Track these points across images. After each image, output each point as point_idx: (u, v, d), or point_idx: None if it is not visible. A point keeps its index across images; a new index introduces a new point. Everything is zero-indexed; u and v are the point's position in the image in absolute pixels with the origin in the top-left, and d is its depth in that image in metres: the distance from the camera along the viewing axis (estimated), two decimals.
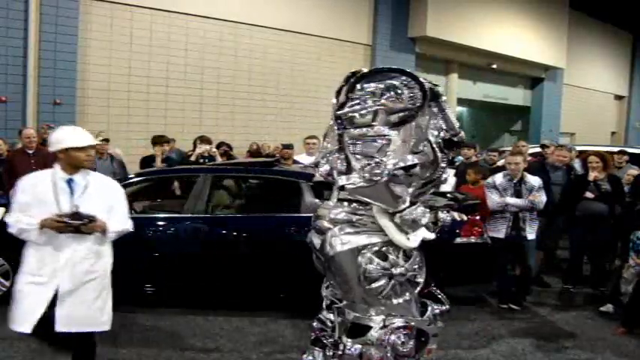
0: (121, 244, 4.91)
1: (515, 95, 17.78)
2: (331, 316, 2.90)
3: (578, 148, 8.70)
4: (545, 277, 6.34)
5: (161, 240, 4.91)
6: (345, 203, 2.76)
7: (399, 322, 2.69)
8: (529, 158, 7.11)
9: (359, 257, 2.66)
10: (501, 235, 5.19)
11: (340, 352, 2.70)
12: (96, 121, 8.94)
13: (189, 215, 4.95)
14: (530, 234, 5.23)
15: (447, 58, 14.69)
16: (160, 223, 5.02)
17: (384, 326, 2.68)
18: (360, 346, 2.68)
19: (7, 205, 5.43)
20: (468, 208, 5.14)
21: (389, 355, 2.66)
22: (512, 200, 5.14)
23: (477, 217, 5.06)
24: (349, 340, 2.70)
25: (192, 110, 10.15)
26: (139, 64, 9.47)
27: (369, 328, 2.70)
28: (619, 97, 22.17)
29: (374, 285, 2.66)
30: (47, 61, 8.34)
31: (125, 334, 4.40)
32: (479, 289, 5.77)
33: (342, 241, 2.68)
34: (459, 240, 4.90)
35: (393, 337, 2.66)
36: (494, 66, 15.63)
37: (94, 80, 9.01)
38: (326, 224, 2.75)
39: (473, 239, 4.96)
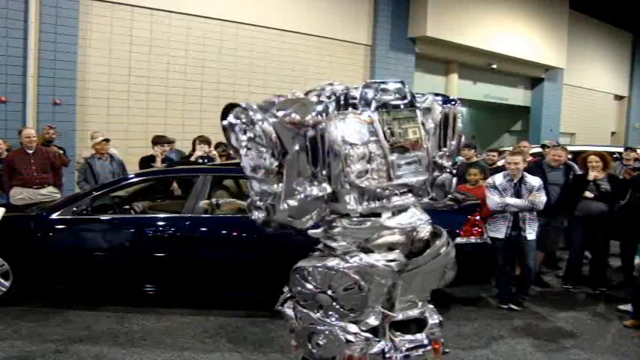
0: (120, 245, 4.98)
1: (515, 95, 17.77)
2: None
3: (578, 148, 8.72)
4: (545, 277, 6.36)
5: (161, 240, 4.90)
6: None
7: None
8: (529, 158, 7.11)
9: None
10: (501, 235, 5.19)
11: (417, 344, 2.86)
12: (96, 121, 8.96)
13: (190, 215, 4.94)
14: (530, 234, 5.23)
15: (447, 58, 14.69)
16: (160, 223, 5.02)
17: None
18: (425, 334, 2.88)
19: (7, 205, 5.46)
20: (468, 208, 5.14)
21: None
22: (512, 200, 5.14)
23: (477, 217, 5.06)
24: (422, 333, 2.88)
25: (192, 110, 10.15)
26: (138, 64, 9.46)
27: (422, 320, 2.90)
28: (619, 97, 22.16)
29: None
30: (47, 61, 8.34)
31: (125, 334, 4.40)
32: (479, 289, 5.77)
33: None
34: (459, 240, 4.89)
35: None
36: (495, 66, 15.63)
37: (93, 80, 9.01)
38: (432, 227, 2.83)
39: (473, 239, 4.96)
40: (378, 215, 2.63)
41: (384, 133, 2.56)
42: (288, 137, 2.42)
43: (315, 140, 2.43)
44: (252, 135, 2.45)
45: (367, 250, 2.66)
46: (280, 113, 2.41)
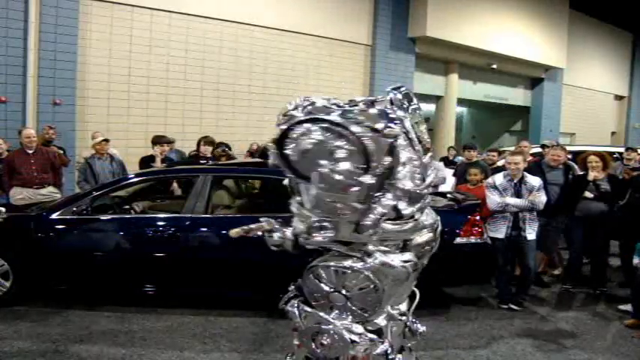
0: (120, 245, 4.98)
1: (515, 95, 17.79)
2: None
3: (578, 148, 8.72)
4: (545, 277, 6.36)
5: (161, 240, 4.90)
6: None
7: None
8: (529, 158, 7.11)
9: None
10: (501, 235, 5.19)
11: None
12: (96, 121, 8.97)
13: (190, 215, 4.94)
14: (530, 234, 5.23)
15: (447, 58, 14.70)
16: (160, 223, 5.02)
17: None
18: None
19: (7, 205, 5.47)
20: (468, 208, 5.14)
21: None
22: (512, 200, 5.14)
23: (477, 217, 5.06)
24: (409, 312, 2.92)
25: (192, 110, 10.16)
26: (138, 64, 9.47)
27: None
28: (619, 97, 22.18)
29: None
30: (47, 61, 8.35)
31: (125, 334, 4.40)
32: (479, 289, 5.77)
33: None
34: (458, 240, 4.90)
35: None
36: (495, 66, 15.64)
37: (93, 80, 9.02)
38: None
39: (473, 239, 4.96)
40: (412, 216, 2.61)
41: (417, 136, 2.55)
42: (378, 151, 2.35)
43: (395, 150, 2.40)
44: (347, 151, 2.34)
45: (404, 251, 2.67)
46: (378, 126, 2.34)
